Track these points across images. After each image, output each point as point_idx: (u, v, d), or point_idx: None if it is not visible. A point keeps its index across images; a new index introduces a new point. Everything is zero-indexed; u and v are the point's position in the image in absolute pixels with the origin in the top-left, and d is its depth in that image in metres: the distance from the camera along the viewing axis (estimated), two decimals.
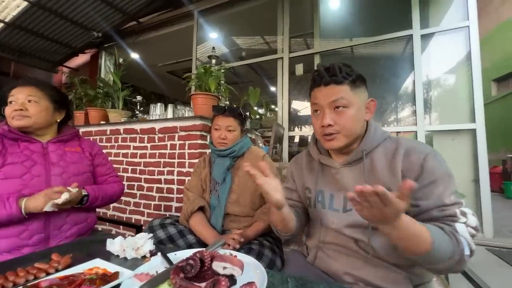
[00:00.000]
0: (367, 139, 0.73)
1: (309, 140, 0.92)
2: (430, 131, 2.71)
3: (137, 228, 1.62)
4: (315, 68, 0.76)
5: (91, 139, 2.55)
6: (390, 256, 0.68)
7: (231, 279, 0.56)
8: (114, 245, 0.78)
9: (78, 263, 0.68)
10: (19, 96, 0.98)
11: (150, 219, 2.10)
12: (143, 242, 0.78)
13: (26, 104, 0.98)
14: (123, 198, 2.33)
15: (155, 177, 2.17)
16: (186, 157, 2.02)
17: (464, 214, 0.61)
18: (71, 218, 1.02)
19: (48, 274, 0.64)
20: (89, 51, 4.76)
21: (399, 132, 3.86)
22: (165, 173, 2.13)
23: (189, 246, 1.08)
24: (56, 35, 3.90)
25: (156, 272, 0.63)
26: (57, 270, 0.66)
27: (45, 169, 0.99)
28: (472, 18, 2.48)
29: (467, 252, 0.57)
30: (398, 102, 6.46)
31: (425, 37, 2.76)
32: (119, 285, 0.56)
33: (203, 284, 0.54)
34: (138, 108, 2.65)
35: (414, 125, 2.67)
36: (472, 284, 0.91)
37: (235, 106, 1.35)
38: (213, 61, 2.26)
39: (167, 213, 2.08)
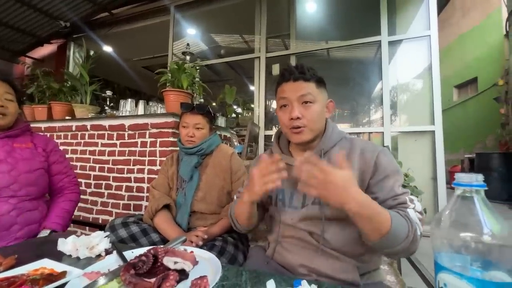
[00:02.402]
0: (325, 138, 0.79)
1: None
2: (396, 132, 2.89)
3: (104, 229, 1.55)
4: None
5: (54, 135, 2.40)
6: (341, 245, 0.72)
7: (183, 273, 0.57)
8: (66, 245, 0.75)
9: (25, 264, 0.64)
10: None
11: None
12: (98, 240, 0.76)
13: (5, 102, 0.90)
14: (89, 197, 2.22)
15: (125, 175, 2.10)
16: (157, 155, 1.97)
17: (411, 200, 0.69)
18: (22, 217, 0.95)
19: None
20: (55, 42, 4.45)
21: (371, 132, 4.07)
22: (135, 171, 2.06)
23: (153, 245, 1.05)
24: (17, 22, 3.60)
25: (108, 270, 0.61)
26: None
27: None
28: (433, 28, 2.68)
29: (418, 232, 0.64)
30: (371, 105, 6.79)
31: (393, 44, 2.93)
32: (66, 284, 0.54)
33: (153, 280, 0.54)
34: (108, 103, 2.53)
35: (382, 127, 2.83)
36: (418, 274, 0.98)
37: (205, 103, 1.34)
38: (187, 57, 2.22)
39: (137, 213, 2.01)
